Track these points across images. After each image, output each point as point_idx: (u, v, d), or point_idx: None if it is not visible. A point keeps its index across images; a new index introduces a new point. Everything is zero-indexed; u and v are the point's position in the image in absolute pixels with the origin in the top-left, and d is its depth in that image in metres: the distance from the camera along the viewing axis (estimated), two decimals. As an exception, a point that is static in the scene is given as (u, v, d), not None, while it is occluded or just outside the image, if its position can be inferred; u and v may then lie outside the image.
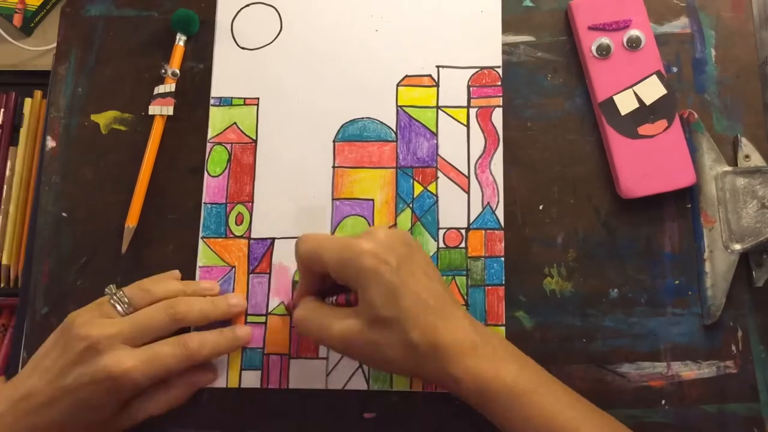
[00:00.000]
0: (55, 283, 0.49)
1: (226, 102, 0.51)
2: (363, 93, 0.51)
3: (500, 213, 0.48)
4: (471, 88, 0.50)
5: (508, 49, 0.51)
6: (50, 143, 0.51)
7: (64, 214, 0.50)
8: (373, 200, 0.49)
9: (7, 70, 0.75)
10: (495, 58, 0.51)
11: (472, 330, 0.39)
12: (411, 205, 0.49)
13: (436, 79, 0.51)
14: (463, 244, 0.48)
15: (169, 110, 0.51)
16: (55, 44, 0.53)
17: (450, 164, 0.49)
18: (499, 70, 0.50)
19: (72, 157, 0.51)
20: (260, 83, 0.51)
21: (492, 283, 0.47)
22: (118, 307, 0.43)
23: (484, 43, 0.51)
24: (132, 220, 0.49)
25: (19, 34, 0.74)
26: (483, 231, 0.48)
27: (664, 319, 0.47)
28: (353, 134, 0.50)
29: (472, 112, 0.50)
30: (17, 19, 0.73)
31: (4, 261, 0.72)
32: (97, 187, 0.50)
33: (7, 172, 0.74)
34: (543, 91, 0.50)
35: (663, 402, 0.45)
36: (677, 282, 0.47)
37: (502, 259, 0.48)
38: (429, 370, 0.39)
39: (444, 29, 0.51)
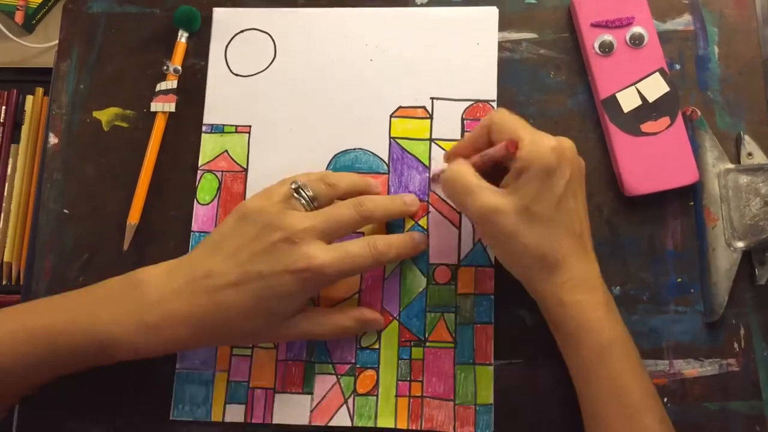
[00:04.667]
0: (57, 280, 0.49)
1: (217, 129, 0.51)
2: (356, 123, 0.50)
3: (491, 250, 0.47)
4: (465, 121, 0.50)
5: (510, 46, 0.51)
6: (52, 140, 0.51)
7: (65, 211, 0.50)
8: (362, 233, 0.48)
9: (9, 67, 0.75)
10: (490, 92, 0.50)
11: (599, 274, 0.41)
12: None
13: (430, 111, 0.50)
14: (452, 281, 0.47)
15: (171, 107, 0.51)
16: (56, 41, 0.53)
17: (442, 199, 0.49)
18: (494, 104, 0.50)
19: (74, 154, 0.51)
20: (253, 111, 0.51)
21: (481, 321, 0.47)
22: (302, 201, 0.43)
23: (480, 75, 0.50)
24: (134, 217, 0.49)
25: (21, 31, 0.74)
26: (473, 268, 0.47)
27: (667, 317, 0.46)
28: (345, 165, 0.49)
29: None
30: (19, 16, 0.73)
31: (6, 258, 0.72)
32: (99, 184, 0.50)
33: (9, 170, 0.74)
34: (545, 88, 0.50)
35: (665, 400, 0.45)
36: (680, 280, 0.47)
37: (492, 296, 0.47)
38: (541, 280, 0.41)
39: (439, 60, 0.51)
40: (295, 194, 0.43)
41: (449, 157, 0.46)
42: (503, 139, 0.41)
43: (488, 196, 0.41)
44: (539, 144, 0.40)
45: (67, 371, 0.43)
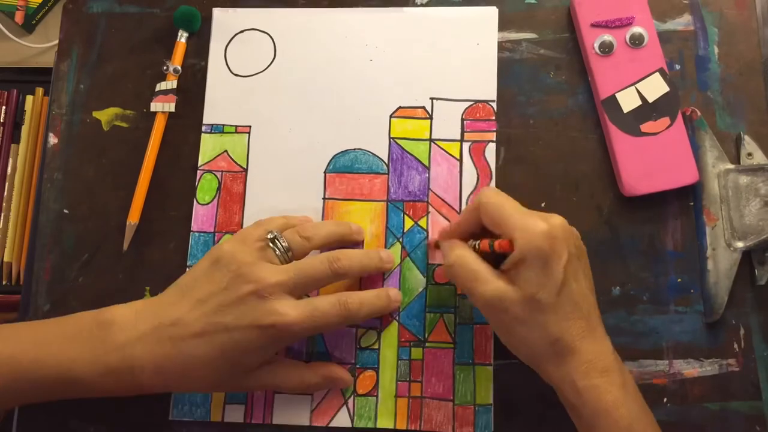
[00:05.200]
0: (57, 280, 0.49)
1: (217, 129, 0.51)
2: (355, 124, 0.50)
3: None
4: (465, 122, 0.50)
5: (510, 46, 0.51)
6: (52, 140, 0.51)
7: (66, 211, 0.50)
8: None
9: (9, 68, 0.75)
10: (490, 92, 0.50)
11: (612, 352, 0.40)
12: (401, 240, 0.48)
13: (430, 112, 0.50)
14: (452, 282, 0.47)
15: (171, 107, 0.51)
16: (56, 41, 0.53)
17: (441, 199, 0.49)
18: (494, 105, 0.50)
19: (74, 154, 0.51)
20: (252, 111, 0.51)
21: (481, 321, 0.47)
22: (278, 253, 0.43)
23: (480, 76, 0.50)
24: (134, 217, 0.49)
25: (21, 31, 0.74)
26: None
27: (667, 317, 0.46)
28: (344, 165, 0.49)
29: (465, 146, 0.49)
30: (19, 16, 0.72)
31: (6, 258, 0.72)
32: (99, 184, 0.50)
33: (9, 170, 0.74)
34: (545, 88, 0.50)
35: (665, 400, 0.45)
36: (680, 280, 0.47)
37: None
38: (553, 367, 0.40)
39: (439, 61, 0.51)
40: (270, 244, 0.43)
41: (442, 236, 0.46)
42: (492, 223, 0.41)
43: (495, 284, 0.40)
44: (530, 232, 0.39)
45: (29, 401, 0.43)
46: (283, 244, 0.43)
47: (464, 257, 0.42)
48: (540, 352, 0.40)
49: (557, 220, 0.40)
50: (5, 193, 0.74)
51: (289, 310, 0.40)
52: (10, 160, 0.74)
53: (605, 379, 0.39)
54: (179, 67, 0.51)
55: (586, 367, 0.39)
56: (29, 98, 0.75)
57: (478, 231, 0.43)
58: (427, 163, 0.49)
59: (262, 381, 0.43)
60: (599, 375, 0.39)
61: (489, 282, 0.40)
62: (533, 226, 0.39)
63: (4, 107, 0.75)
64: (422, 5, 0.52)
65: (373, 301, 0.44)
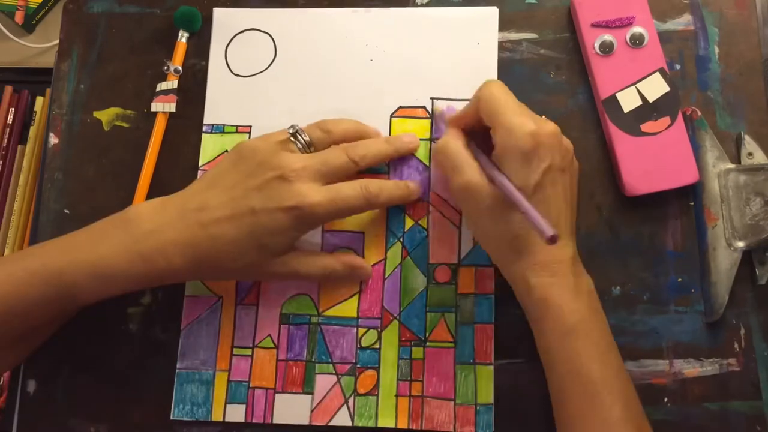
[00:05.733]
0: (57, 280, 0.49)
1: (218, 129, 0.51)
2: None
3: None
4: None
5: (510, 47, 0.51)
6: (53, 140, 0.51)
7: (66, 211, 0.50)
8: (363, 233, 0.48)
9: (9, 68, 0.75)
10: None
11: (570, 259, 0.41)
12: (401, 240, 0.48)
13: (430, 111, 0.50)
14: (453, 281, 0.47)
15: (172, 107, 0.51)
16: (57, 41, 0.53)
17: (442, 198, 0.49)
18: None
19: (74, 154, 0.51)
20: (253, 111, 0.51)
21: (482, 321, 0.47)
22: (299, 145, 0.44)
23: (480, 75, 0.49)
24: (134, 217, 0.49)
25: (21, 31, 0.74)
26: (473, 267, 0.47)
27: (667, 317, 0.46)
28: None
29: None
30: (19, 16, 0.73)
31: (7, 258, 0.72)
32: (100, 184, 0.50)
33: (14, 170, 0.74)
34: (546, 88, 0.50)
35: (665, 400, 0.45)
36: (680, 280, 0.47)
37: (492, 296, 0.47)
38: (511, 262, 0.42)
39: (439, 60, 0.51)
40: (292, 138, 0.44)
41: (449, 123, 0.47)
42: (486, 117, 0.43)
43: (470, 174, 0.42)
44: (514, 132, 0.41)
45: (70, 309, 0.45)
46: (305, 138, 0.45)
47: (449, 145, 0.44)
48: (500, 247, 0.42)
49: (549, 127, 0.42)
50: (9, 193, 0.74)
51: (313, 193, 0.42)
52: (17, 160, 0.74)
53: (556, 279, 0.40)
54: (180, 67, 0.51)
55: (538, 267, 0.41)
56: (39, 99, 0.75)
57: (480, 121, 0.44)
58: (427, 163, 0.49)
59: (287, 267, 0.44)
60: (550, 275, 0.40)
61: (465, 172, 0.42)
62: (519, 125, 0.41)
63: (12, 108, 0.75)
64: (422, 5, 0.52)
65: (392, 188, 0.46)
